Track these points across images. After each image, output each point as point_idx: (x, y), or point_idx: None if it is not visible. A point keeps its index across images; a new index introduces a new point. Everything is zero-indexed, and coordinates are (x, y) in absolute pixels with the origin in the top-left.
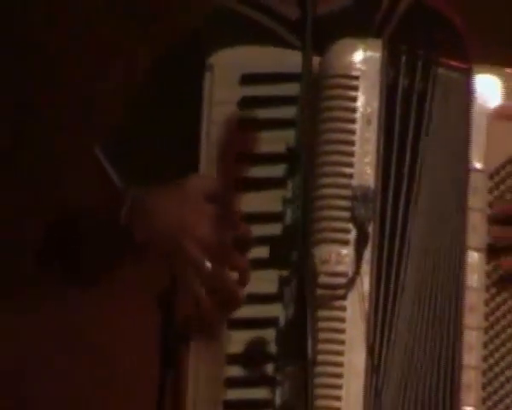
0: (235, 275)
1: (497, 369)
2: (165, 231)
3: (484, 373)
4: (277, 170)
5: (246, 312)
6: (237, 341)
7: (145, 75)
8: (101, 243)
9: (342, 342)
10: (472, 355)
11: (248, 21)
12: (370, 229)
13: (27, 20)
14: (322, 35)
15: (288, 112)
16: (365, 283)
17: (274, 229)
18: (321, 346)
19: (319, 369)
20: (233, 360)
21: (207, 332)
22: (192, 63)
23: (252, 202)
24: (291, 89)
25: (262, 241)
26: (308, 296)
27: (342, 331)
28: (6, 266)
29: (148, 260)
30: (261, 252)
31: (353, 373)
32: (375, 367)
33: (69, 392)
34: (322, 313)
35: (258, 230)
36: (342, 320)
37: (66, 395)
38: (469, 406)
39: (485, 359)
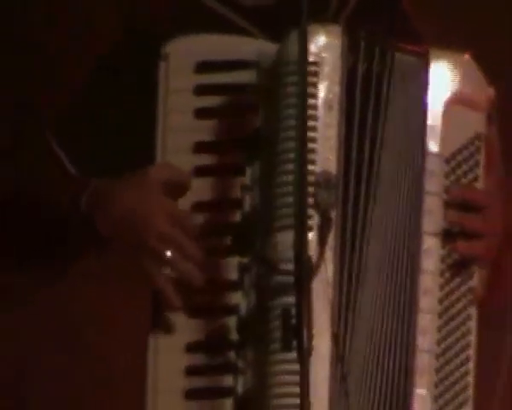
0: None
1: (449, 354)
2: (124, 221)
3: (437, 357)
4: (234, 157)
5: (205, 299)
6: (197, 329)
7: (101, 62)
8: (63, 234)
9: None
10: (426, 339)
11: (202, 8)
12: (333, 215)
13: (27, 20)
14: (278, 22)
15: (243, 100)
16: (329, 268)
17: (232, 216)
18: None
19: (286, 356)
20: (193, 348)
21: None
22: (149, 51)
23: (210, 189)
24: (246, 76)
25: (221, 228)
26: (305, 286)
27: None
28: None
29: (113, 250)
30: (220, 239)
31: (319, 359)
32: (340, 354)
33: (68, 391)
34: (288, 299)
35: (217, 217)
36: None
37: (65, 394)
38: (422, 389)
39: (438, 343)
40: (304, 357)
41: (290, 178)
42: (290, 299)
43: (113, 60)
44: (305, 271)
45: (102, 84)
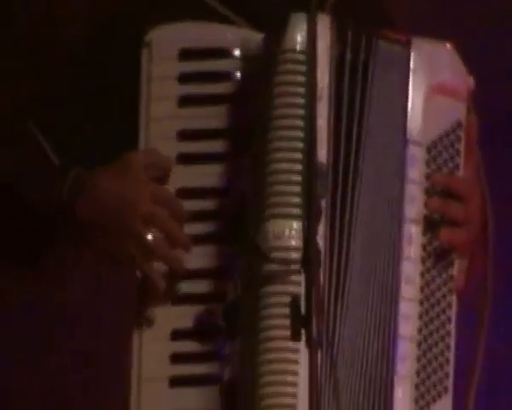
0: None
1: (430, 341)
2: (110, 205)
3: (418, 345)
4: (217, 145)
5: (191, 287)
6: (183, 316)
7: (78, 51)
8: (41, 224)
9: None
10: (407, 326)
11: None
12: (323, 204)
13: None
14: (261, 11)
15: (227, 87)
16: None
17: (219, 204)
18: (277, 321)
19: (276, 344)
20: (179, 335)
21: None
22: (127, 38)
23: (195, 176)
24: (230, 64)
25: (207, 215)
26: (314, 275)
27: None
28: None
29: (92, 238)
30: (207, 227)
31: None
32: (329, 342)
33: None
34: (277, 288)
35: (203, 204)
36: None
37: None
38: (404, 376)
39: (419, 330)
40: (313, 347)
41: (280, 166)
42: (280, 287)
43: (97, 46)
44: (314, 260)
45: (85, 71)
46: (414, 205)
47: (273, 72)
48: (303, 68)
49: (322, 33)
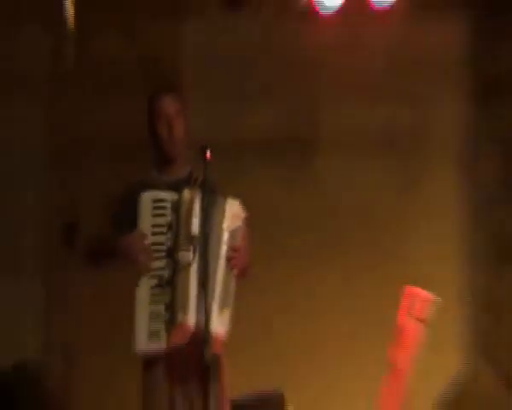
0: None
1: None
2: (126, 250)
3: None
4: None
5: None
6: (154, 275)
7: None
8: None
9: None
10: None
11: (149, 182)
12: (195, 266)
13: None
14: (181, 186)
15: (168, 218)
16: (195, 274)
17: (161, 247)
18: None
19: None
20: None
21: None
22: (134, 197)
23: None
24: (167, 205)
25: (156, 250)
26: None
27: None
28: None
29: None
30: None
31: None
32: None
33: None
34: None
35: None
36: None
37: None
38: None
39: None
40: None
41: (182, 247)
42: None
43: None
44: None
45: (122, 211)
46: (223, 253)
47: (180, 211)
48: (184, 210)
49: (194, 198)
